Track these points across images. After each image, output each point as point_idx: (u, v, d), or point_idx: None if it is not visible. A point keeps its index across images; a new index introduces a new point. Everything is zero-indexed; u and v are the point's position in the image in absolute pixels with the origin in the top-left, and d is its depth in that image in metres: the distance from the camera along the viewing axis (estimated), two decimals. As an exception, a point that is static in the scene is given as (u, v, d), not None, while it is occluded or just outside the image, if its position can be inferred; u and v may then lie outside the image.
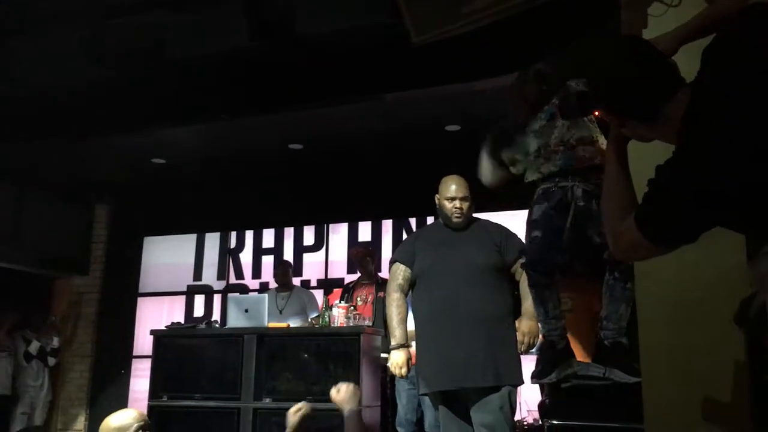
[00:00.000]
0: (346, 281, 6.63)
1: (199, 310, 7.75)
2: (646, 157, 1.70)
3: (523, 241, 3.34)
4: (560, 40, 4.03)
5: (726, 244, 2.43)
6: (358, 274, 5.81)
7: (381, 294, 5.24)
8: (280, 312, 5.75)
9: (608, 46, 1.71)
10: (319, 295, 6.59)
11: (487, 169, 3.45)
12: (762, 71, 1.41)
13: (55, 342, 7.51)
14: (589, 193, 3.09)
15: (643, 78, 1.57)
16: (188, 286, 7.92)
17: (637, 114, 1.58)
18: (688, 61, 1.66)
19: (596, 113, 3.05)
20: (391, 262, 3.61)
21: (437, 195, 3.53)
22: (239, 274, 7.77)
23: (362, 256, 5.74)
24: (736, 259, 2.35)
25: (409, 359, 3.46)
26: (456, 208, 3.44)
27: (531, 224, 3.18)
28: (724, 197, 1.40)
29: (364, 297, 5.47)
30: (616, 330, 3.05)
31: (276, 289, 6.16)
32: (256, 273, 7.68)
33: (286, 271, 6.20)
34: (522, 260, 3.35)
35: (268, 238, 7.73)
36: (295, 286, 6.27)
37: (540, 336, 3.31)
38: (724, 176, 1.38)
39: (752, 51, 1.45)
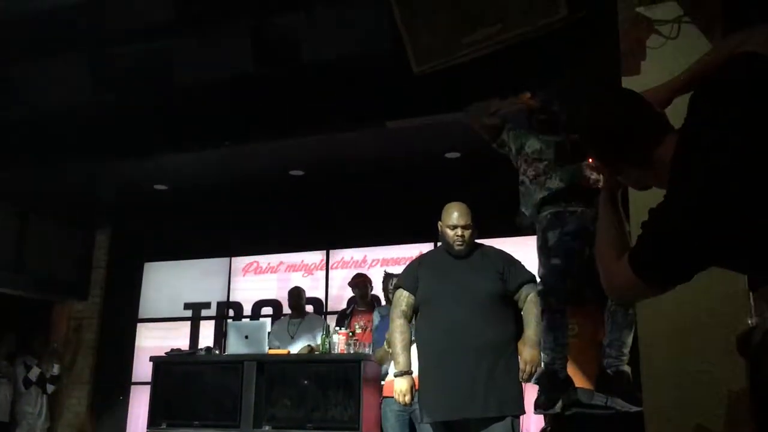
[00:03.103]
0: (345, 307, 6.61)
1: (199, 337, 7.72)
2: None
3: (535, 268, 3.34)
4: (560, 69, 4.08)
5: (727, 272, 2.45)
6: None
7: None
8: (292, 338, 5.72)
9: (599, 97, 1.77)
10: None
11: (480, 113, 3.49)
12: (747, 114, 1.45)
13: (56, 369, 7.47)
14: (596, 219, 3.13)
15: (634, 123, 1.63)
16: (188, 312, 7.89)
17: (631, 159, 1.64)
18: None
19: (590, 159, 3.12)
20: (394, 289, 3.60)
21: (440, 222, 3.55)
22: (239, 300, 7.76)
23: (361, 285, 5.74)
24: (738, 287, 2.36)
25: (412, 386, 3.45)
26: (458, 236, 3.45)
27: (548, 251, 3.17)
28: (713, 238, 1.43)
29: (362, 324, 5.45)
30: (619, 358, 3.05)
31: (289, 315, 6.13)
32: (257, 299, 7.66)
33: (299, 298, 6.17)
34: (528, 287, 3.36)
35: (269, 263, 7.73)
36: (308, 312, 6.23)
37: (541, 365, 3.30)
38: (712, 218, 1.42)
39: (737, 95, 1.49)
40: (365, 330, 5.39)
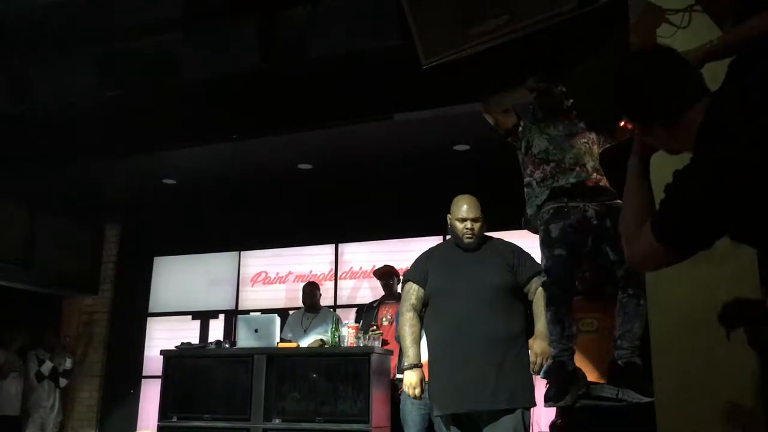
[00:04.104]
0: (357, 301, 6.61)
1: (209, 330, 7.75)
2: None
3: (539, 260, 3.33)
4: (569, 60, 4.06)
5: (738, 266, 2.43)
6: (382, 293, 5.77)
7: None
8: (305, 331, 5.71)
9: (636, 53, 1.72)
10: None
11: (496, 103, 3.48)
12: None
13: (68, 363, 7.51)
14: (599, 213, 3.13)
15: (668, 81, 1.58)
16: (198, 306, 7.92)
17: (661, 118, 1.59)
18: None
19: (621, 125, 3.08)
20: (404, 282, 3.60)
21: (449, 215, 3.54)
22: (250, 294, 7.77)
23: (387, 275, 5.71)
24: (749, 281, 2.35)
25: (422, 379, 3.45)
26: (467, 229, 3.44)
27: (551, 242, 3.16)
28: (736, 204, 1.41)
29: (389, 317, 5.42)
30: (630, 349, 3.04)
31: (304, 309, 6.13)
32: (264, 281, 7.67)
33: (313, 292, 6.15)
34: (538, 280, 3.35)
35: (278, 257, 7.73)
36: (323, 307, 6.21)
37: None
38: (737, 183, 1.39)
39: None
40: (392, 323, 5.35)
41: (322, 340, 5.13)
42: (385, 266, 5.89)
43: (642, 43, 2.79)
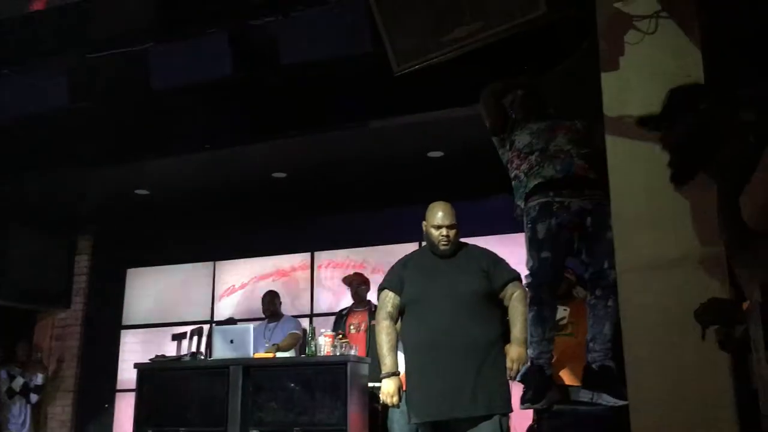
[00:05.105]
0: (333, 310, 6.57)
1: (184, 342, 7.65)
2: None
3: (518, 265, 3.34)
4: (539, 66, 4.10)
5: (707, 269, 2.47)
6: (351, 301, 5.77)
7: (374, 322, 5.20)
8: (268, 342, 5.70)
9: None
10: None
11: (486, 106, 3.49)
12: None
13: (40, 379, 7.39)
14: (584, 210, 3.12)
15: None
16: (173, 318, 7.83)
17: None
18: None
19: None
20: (380, 290, 3.59)
21: (424, 222, 3.54)
22: (224, 305, 7.71)
23: (356, 283, 5.70)
24: (719, 285, 2.38)
25: (400, 387, 3.44)
26: (443, 236, 3.45)
27: (538, 244, 3.14)
28: None
29: (357, 325, 5.41)
30: (603, 352, 3.06)
31: (267, 320, 6.10)
32: (242, 303, 7.61)
33: (271, 301, 6.14)
34: (513, 285, 3.36)
35: (253, 267, 7.68)
36: (284, 315, 6.20)
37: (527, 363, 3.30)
38: None
39: None
40: (359, 330, 5.35)
41: (276, 345, 5.12)
42: (354, 273, 5.88)
43: (603, 55, 2.83)
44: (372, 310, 5.41)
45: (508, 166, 3.42)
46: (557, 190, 3.15)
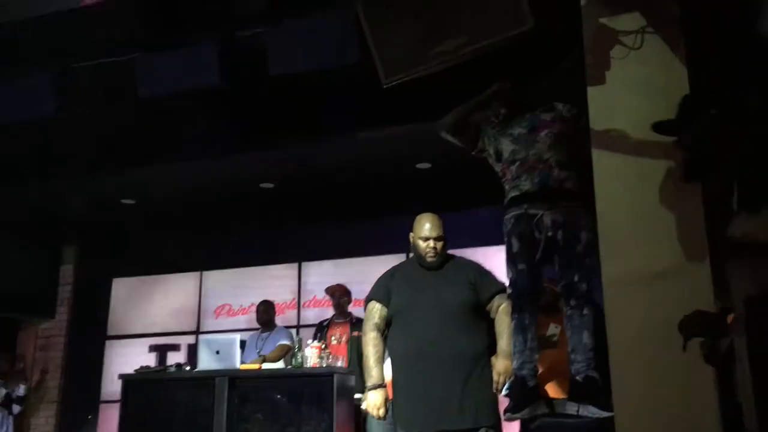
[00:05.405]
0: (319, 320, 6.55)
1: (169, 353, 7.60)
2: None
3: (506, 274, 3.35)
4: (527, 78, 4.12)
5: (693, 282, 2.49)
6: (332, 312, 5.76)
7: (356, 333, 5.19)
8: (259, 353, 5.67)
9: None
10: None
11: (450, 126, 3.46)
12: None
13: (22, 390, 7.30)
14: (556, 223, 3.13)
15: None
16: (158, 328, 7.77)
17: None
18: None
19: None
20: (367, 301, 3.58)
21: (411, 233, 3.54)
22: (210, 315, 7.66)
23: (339, 294, 5.69)
24: (703, 297, 2.39)
25: (386, 399, 3.43)
26: (430, 247, 3.45)
27: (513, 256, 3.17)
28: None
29: (338, 336, 5.40)
30: (585, 362, 3.05)
31: (260, 330, 6.07)
32: (228, 313, 7.57)
33: (266, 311, 6.10)
34: (500, 297, 3.37)
35: (240, 277, 7.65)
36: (277, 325, 6.17)
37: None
38: None
39: None
40: (340, 342, 5.34)
41: (263, 356, 5.09)
42: (337, 285, 5.87)
43: (589, 69, 2.86)
44: (353, 322, 5.41)
45: (501, 178, 3.43)
46: (531, 203, 3.17)
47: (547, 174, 3.18)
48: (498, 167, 3.41)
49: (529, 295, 3.17)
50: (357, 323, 5.34)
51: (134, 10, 4.71)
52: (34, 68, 4.92)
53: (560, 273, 3.15)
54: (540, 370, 3.25)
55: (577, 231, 3.07)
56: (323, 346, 4.90)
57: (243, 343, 5.48)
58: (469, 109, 3.43)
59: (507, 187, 3.31)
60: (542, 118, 3.32)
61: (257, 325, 6.17)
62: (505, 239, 3.23)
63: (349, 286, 5.86)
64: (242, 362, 5.20)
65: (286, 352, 5.66)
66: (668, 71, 2.76)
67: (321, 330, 5.59)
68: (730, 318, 2.07)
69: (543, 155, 3.22)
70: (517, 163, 3.26)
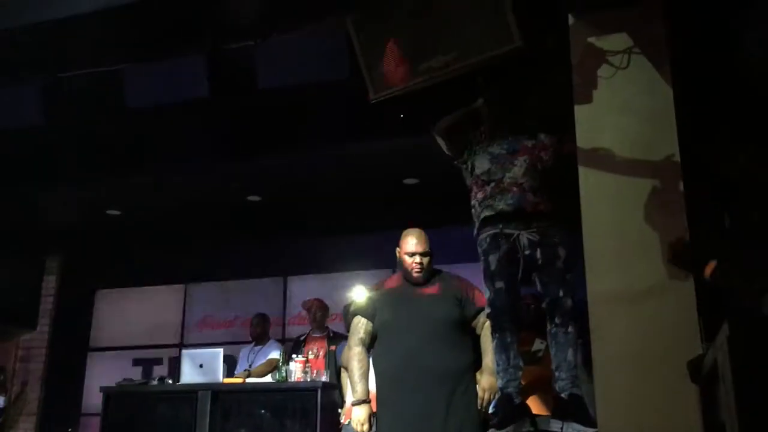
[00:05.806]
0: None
1: (152, 366, 7.52)
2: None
3: (484, 292, 3.35)
4: (515, 95, 4.15)
5: (678, 299, 2.50)
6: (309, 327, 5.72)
7: (333, 348, 5.16)
8: (250, 366, 5.61)
9: None
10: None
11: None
12: None
13: (1, 402, 7.23)
14: (532, 242, 3.15)
15: None
16: (141, 341, 7.70)
17: None
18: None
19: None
20: (352, 316, 3.58)
21: (398, 249, 3.55)
22: (194, 329, 7.60)
23: (315, 309, 5.67)
24: (688, 315, 2.41)
25: (371, 415, 3.41)
26: (416, 263, 3.45)
27: (491, 275, 3.20)
28: None
29: (315, 351, 5.35)
30: (570, 380, 3.06)
31: (254, 343, 6.02)
32: (212, 326, 7.52)
33: (259, 323, 6.04)
34: (485, 313, 3.37)
35: (225, 290, 7.61)
36: (270, 339, 6.11)
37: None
38: None
39: None
40: (317, 356, 5.30)
41: (247, 370, 5.05)
42: (314, 299, 5.84)
43: (576, 88, 2.88)
44: (330, 336, 5.38)
45: (470, 194, 3.44)
46: (506, 223, 3.20)
47: (521, 197, 3.21)
48: (469, 180, 3.44)
49: (508, 312, 3.17)
50: (334, 337, 5.32)
51: (124, 20, 4.71)
52: (22, 77, 4.89)
53: (543, 290, 3.17)
54: (522, 384, 3.25)
55: (554, 248, 3.11)
56: (306, 361, 4.88)
57: (228, 358, 5.42)
58: (458, 118, 3.47)
59: (476, 204, 3.32)
60: (524, 143, 3.34)
61: (241, 339, 6.12)
62: (482, 258, 3.25)
63: (334, 301, 5.83)
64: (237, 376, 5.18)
65: (275, 367, 5.62)
66: (654, 91, 2.79)
67: (298, 345, 5.55)
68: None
69: (518, 179, 3.25)
70: (493, 184, 3.28)
